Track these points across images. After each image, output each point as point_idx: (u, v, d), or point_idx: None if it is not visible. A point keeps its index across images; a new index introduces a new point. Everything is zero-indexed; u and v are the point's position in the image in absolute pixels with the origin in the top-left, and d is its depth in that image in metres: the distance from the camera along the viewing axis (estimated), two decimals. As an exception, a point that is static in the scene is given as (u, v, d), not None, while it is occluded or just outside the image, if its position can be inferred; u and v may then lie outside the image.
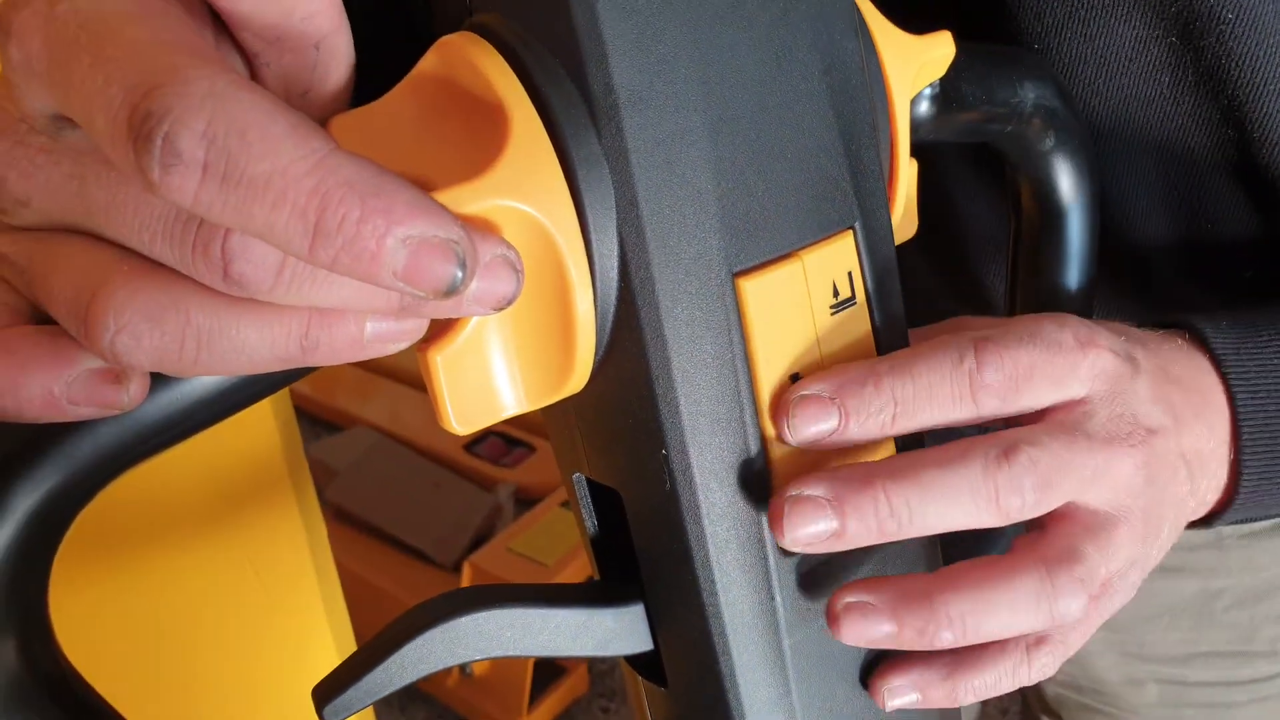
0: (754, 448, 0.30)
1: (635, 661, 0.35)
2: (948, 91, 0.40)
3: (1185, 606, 0.71)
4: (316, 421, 2.52)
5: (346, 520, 1.91)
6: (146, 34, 0.21)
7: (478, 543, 1.80)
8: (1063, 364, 0.34)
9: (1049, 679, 0.78)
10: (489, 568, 1.68)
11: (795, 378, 0.31)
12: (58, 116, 0.23)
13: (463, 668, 1.69)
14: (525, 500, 1.91)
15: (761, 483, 0.31)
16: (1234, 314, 0.43)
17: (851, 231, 0.32)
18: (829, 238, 0.31)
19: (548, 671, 1.74)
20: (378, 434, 2.13)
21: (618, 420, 0.31)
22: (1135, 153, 0.52)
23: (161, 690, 0.62)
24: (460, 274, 0.21)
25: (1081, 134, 0.48)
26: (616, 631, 0.33)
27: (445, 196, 0.25)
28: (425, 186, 0.23)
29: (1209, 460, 0.39)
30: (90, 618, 0.57)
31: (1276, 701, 0.76)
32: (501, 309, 0.24)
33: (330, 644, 0.73)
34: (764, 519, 0.31)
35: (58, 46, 0.21)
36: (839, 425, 0.31)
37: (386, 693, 0.29)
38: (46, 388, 0.24)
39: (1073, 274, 0.50)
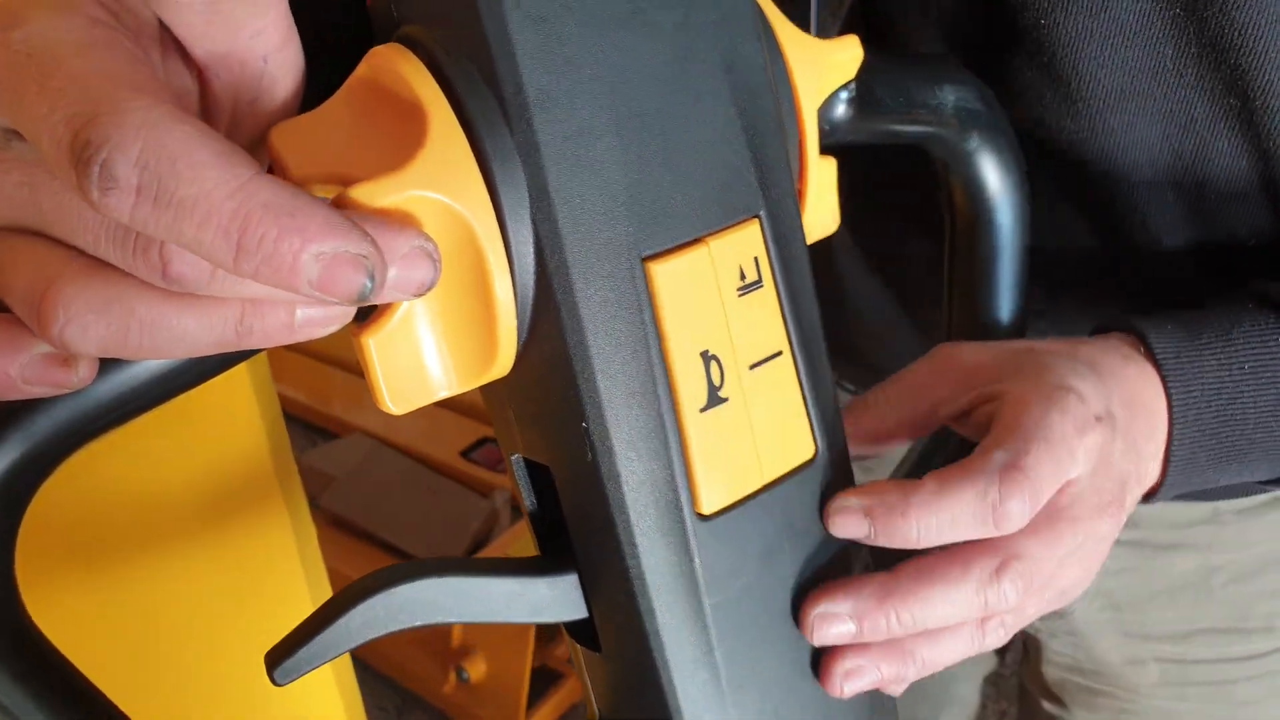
0: (668, 420, 0.32)
1: (573, 630, 0.37)
2: (864, 94, 0.43)
3: (1184, 584, 0.72)
4: (312, 429, 2.52)
5: (343, 527, 1.91)
6: (88, 66, 0.23)
7: (474, 548, 1.80)
8: (1066, 458, 0.38)
9: (1050, 663, 0.79)
10: (485, 573, 1.68)
11: (706, 354, 0.33)
12: (7, 130, 0.25)
13: (459, 673, 1.69)
14: (522, 506, 1.92)
15: (676, 451, 0.32)
16: (1177, 316, 0.45)
17: (757, 220, 0.34)
18: (735, 225, 0.33)
19: (545, 677, 1.74)
20: (373, 441, 2.13)
21: (544, 399, 0.33)
22: (1140, 124, 0.53)
23: (151, 696, 0.62)
24: (370, 284, 0.23)
25: (1007, 135, 0.50)
26: (551, 599, 0.34)
27: (368, 188, 0.27)
28: (354, 181, 0.27)
29: (1149, 467, 0.44)
30: (80, 624, 0.57)
31: (1274, 678, 0.77)
32: (421, 294, 0.26)
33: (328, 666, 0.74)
34: (681, 486, 0.33)
35: (9, 72, 0.23)
36: (868, 535, 0.37)
37: (332, 656, 0.31)
38: (3, 369, 0.26)
39: (1006, 267, 0.53)
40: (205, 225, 0.21)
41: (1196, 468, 0.45)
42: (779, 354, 0.35)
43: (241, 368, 0.62)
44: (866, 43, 0.41)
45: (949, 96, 0.47)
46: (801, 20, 0.39)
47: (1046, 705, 0.84)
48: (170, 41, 0.27)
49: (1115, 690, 0.78)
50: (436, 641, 1.75)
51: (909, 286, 0.71)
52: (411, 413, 0.31)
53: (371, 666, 1.90)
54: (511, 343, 0.31)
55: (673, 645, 0.33)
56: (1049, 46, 0.52)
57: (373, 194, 0.27)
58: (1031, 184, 0.52)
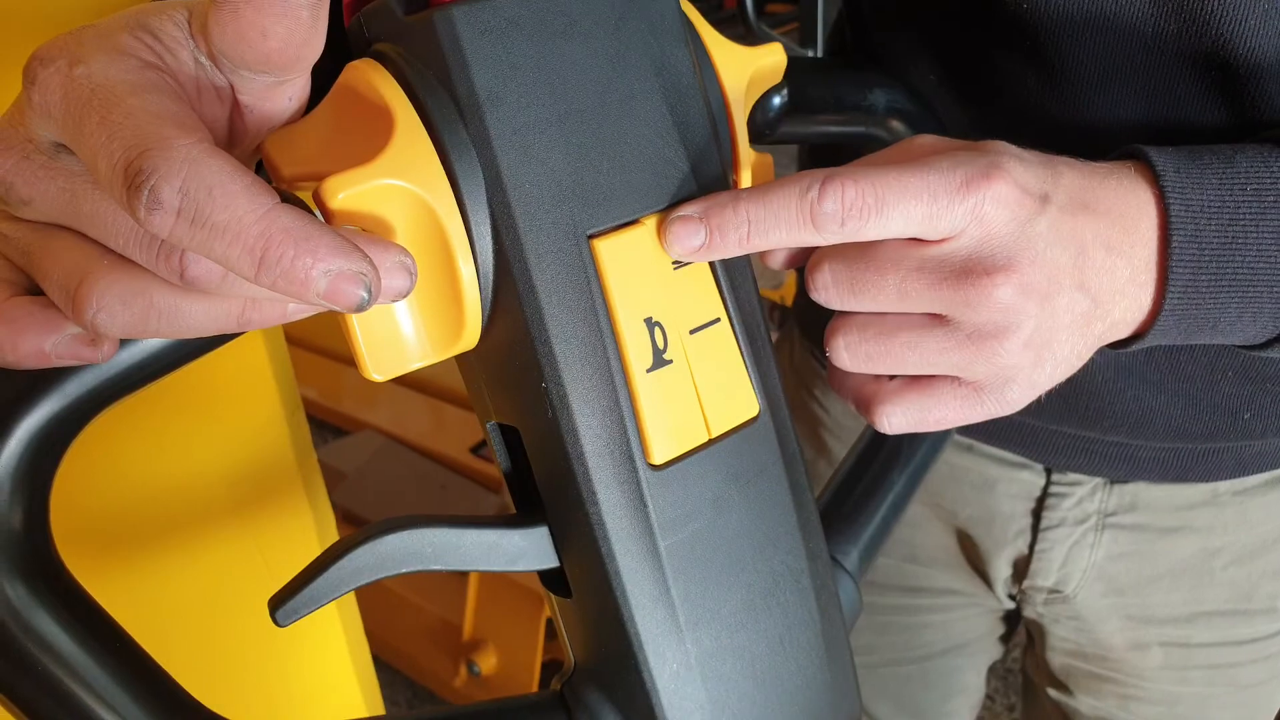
0: (618, 379, 0.36)
1: (547, 580, 0.40)
2: (796, 96, 0.47)
3: (1186, 566, 0.72)
4: (324, 426, 2.54)
5: (354, 522, 1.92)
6: (141, 104, 0.27)
7: (484, 543, 1.81)
8: (928, 205, 0.38)
9: (1054, 649, 0.80)
10: (495, 567, 1.69)
11: (650, 320, 0.37)
12: (59, 145, 0.30)
13: (470, 666, 1.70)
14: (531, 501, 1.92)
15: (627, 407, 0.36)
16: (1180, 146, 0.44)
17: None
18: (670, 208, 0.37)
19: (556, 670, 1.74)
20: (384, 437, 2.14)
21: (509, 365, 0.36)
22: (1125, 102, 0.53)
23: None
24: (367, 295, 0.28)
25: (939, 129, 0.53)
26: (525, 550, 0.38)
27: (342, 178, 0.32)
28: (332, 174, 0.32)
29: (1122, 285, 0.42)
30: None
31: (1277, 660, 0.77)
32: (400, 299, 0.31)
33: (343, 643, 0.75)
34: (633, 438, 0.36)
35: (74, 103, 0.28)
36: (705, 241, 0.37)
37: (327, 600, 0.34)
38: (38, 346, 0.31)
39: None
40: (234, 244, 0.26)
41: (1198, 293, 0.42)
42: (717, 320, 0.38)
43: (264, 365, 0.63)
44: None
45: (880, 97, 0.51)
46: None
47: (1052, 692, 0.84)
48: (206, 80, 0.32)
49: (1119, 675, 0.78)
50: (447, 635, 1.77)
51: None
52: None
53: (382, 659, 1.91)
54: (477, 316, 0.35)
55: (632, 585, 0.37)
56: (1031, 31, 0.53)
57: (346, 182, 0.31)
58: None
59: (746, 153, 0.42)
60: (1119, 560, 0.73)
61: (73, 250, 0.30)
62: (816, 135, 0.51)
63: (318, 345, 2.77)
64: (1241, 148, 0.44)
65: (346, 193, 0.32)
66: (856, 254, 0.40)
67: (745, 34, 2.22)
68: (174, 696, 0.35)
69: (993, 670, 0.96)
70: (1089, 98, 0.54)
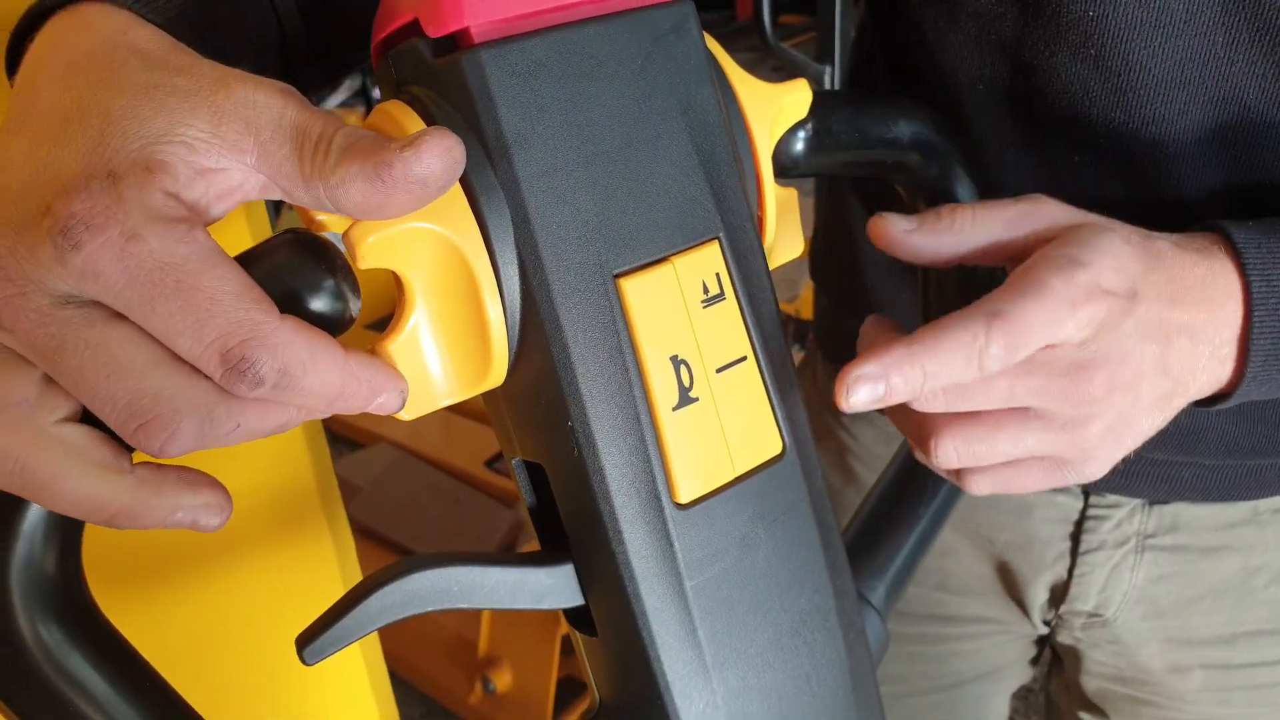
0: (644, 418, 0.36)
1: (572, 618, 0.40)
2: (820, 130, 0.47)
3: (1227, 586, 0.71)
4: (338, 439, 2.54)
5: (369, 536, 1.92)
6: (219, 285, 0.29)
7: (500, 557, 1.81)
8: (1058, 321, 0.41)
9: (1090, 673, 0.78)
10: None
11: (675, 359, 0.37)
12: (71, 299, 0.29)
13: (485, 683, 1.69)
14: (546, 515, 1.92)
15: (653, 446, 0.36)
16: (1260, 219, 0.46)
17: (717, 241, 0.38)
18: (696, 246, 0.38)
19: (571, 688, 1.74)
20: (399, 451, 2.14)
21: (535, 404, 0.37)
22: (1192, 112, 0.52)
23: (193, 703, 0.63)
24: (401, 404, 0.33)
25: (963, 161, 0.53)
26: (550, 588, 0.38)
27: (373, 221, 0.32)
28: None
29: (1204, 364, 0.45)
30: (126, 633, 0.58)
31: None
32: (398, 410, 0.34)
33: (359, 658, 0.74)
34: (659, 476, 0.36)
35: (141, 283, 0.28)
36: (884, 395, 0.39)
37: (355, 639, 0.35)
38: (161, 519, 0.33)
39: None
40: (315, 399, 0.30)
41: (1277, 360, 0.45)
42: (744, 359, 0.38)
43: None
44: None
45: (904, 130, 0.51)
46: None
47: (1085, 717, 0.83)
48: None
49: (1159, 698, 0.77)
50: (463, 652, 1.76)
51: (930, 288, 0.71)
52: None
53: (398, 675, 1.90)
54: (504, 354, 0.36)
55: (658, 625, 0.37)
56: (1098, 38, 0.52)
57: (376, 226, 0.32)
58: (1076, 177, 0.52)
59: (771, 188, 0.43)
60: (1160, 582, 0.72)
61: (135, 364, 0.30)
62: (841, 167, 0.51)
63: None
64: None
65: (376, 236, 0.32)
66: None
67: (760, 45, 2.21)
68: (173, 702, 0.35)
69: (1015, 691, 0.95)
70: (1156, 107, 0.53)
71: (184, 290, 0.28)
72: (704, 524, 0.37)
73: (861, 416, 0.78)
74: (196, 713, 0.36)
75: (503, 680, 1.71)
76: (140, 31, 0.34)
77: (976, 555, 0.77)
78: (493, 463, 2.03)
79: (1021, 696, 1.90)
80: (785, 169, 0.45)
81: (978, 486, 0.46)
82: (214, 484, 0.33)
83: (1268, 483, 0.67)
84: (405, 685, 1.90)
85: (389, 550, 1.89)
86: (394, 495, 1.98)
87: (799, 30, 2.63)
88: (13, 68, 0.38)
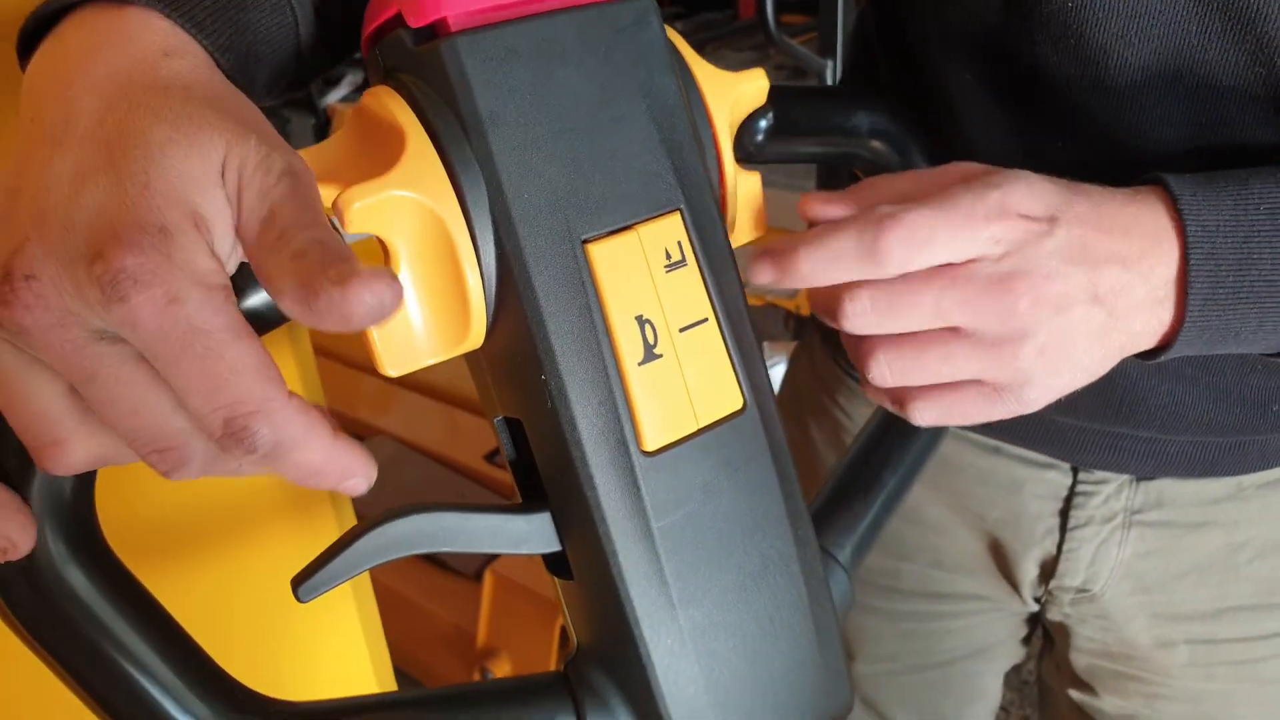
0: (612, 371, 0.39)
1: (551, 565, 0.43)
2: (780, 118, 0.51)
3: (1211, 562, 0.72)
4: (337, 434, 2.54)
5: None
6: (241, 359, 0.30)
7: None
8: (965, 234, 0.44)
9: (1079, 650, 0.79)
10: (510, 574, 1.69)
11: (640, 318, 0.39)
12: (104, 334, 0.31)
13: (483, 671, 1.70)
14: (545, 508, 1.92)
15: (620, 397, 0.39)
16: (1202, 174, 0.47)
17: (679, 212, 0.41)
18: (659, 216, 0.41)
19: (569, 679, 1.74)
20: (397, 444, 2.14)
21: (512, 361, 0.40)
22: (1168, 100, 0.54)
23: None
24: (366, 488, 0.34)
25: (922, 149, 0.57)
26: (528, 534, 0.41)
27: (359, 188, 0.35)
28: (353, 183, 0.35)
29: (1141, 301, 0.46)
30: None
31: None
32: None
33: (365, 653, 0.74)
34: (626, 426, 0.39)
35: (170, 342, 0.30)
36: (779, 276, 0.45)
37: (345, 578, 0.37)
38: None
39: None
40: (299, 471, 0.32)
41: (1216, 307, 0.46)
42: (705, 320, 0.41)
43: (294, 379, 0.64)
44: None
45: (863, 120, 0.55)
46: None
47: (1074, 694, 0.84)
48: None
49: (1145, 674, 0.78)
50: (461, 642, 1.76)
51: None
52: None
53: (396, 666, 1.90)
54: (482, 317, 0.39)
55: (628, 564, 0.39)
56: (1076, 28, 0.53)
57: (362, 193, 0.35)
58: (1061, 160, 0.53)
59: (732, 168, 0.46)
60: (1146, 558, 0.73)
61: (155, 405, 0.32)
62: (803, 155, 0.54)
63: (331, 351, 2.78)
64: (1255, 171, 0.47)
65: (362, 203, 0.35)
66: (891, 282, 0.45)
67: (762, 44, 2.22)
68: (198, 657, 0.38)
69: (1007, 682, 0.95)
70: (1133, 99, 0.54)
71: (209, 357, 0.29)
72: (669, 471, 0.40)
73: (857, 396, 0.80)
74: (193, 639, 0.38)
75: (501, 670, 1.71)
76: (180, 64, 0.36)
77: (969, 533, 0.78)
78: (492, 456, 2.03)
79: (1016, 688, 1.91)
80: (749, 154, 0.48)
81: (921, 414, 0.48)
82: None
83: (1251, 459, 0.68)
84: (404, 676, 1.90)
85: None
86: (393, 488, 1.98)
87: (801, 30, 2.64)
88: (30, 43, 0.39)
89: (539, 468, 0.41)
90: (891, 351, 0.46)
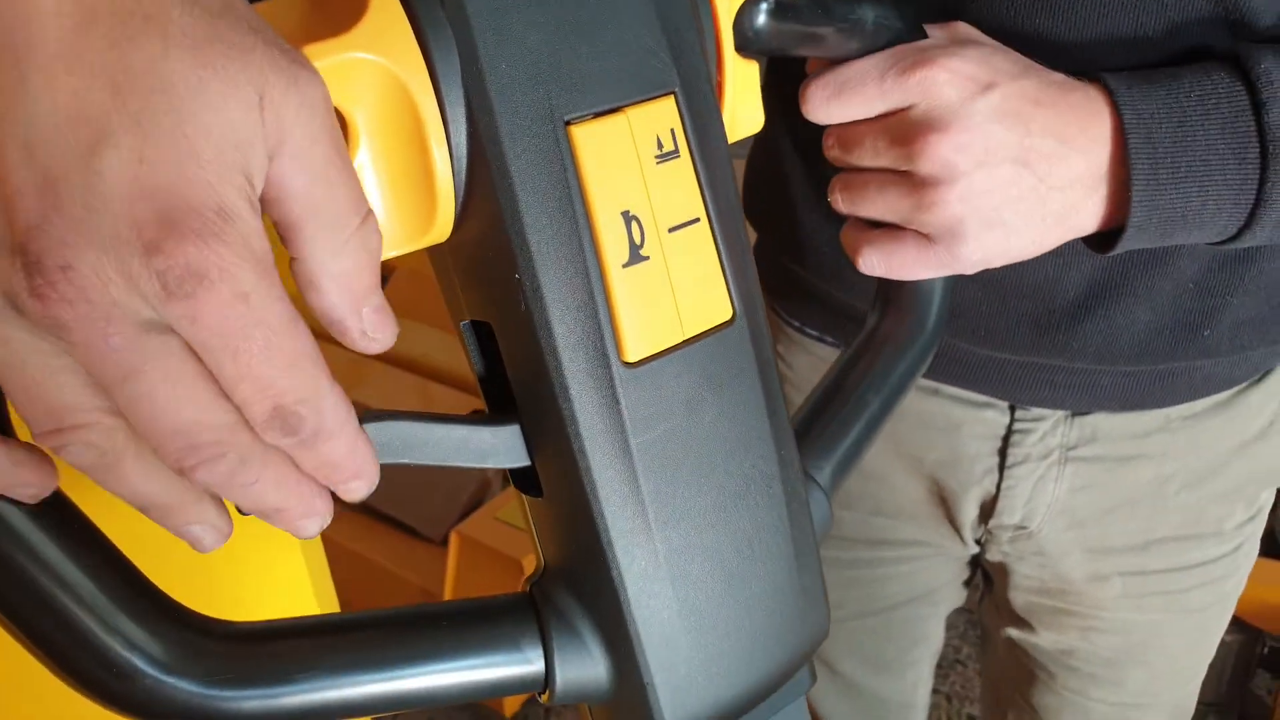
0: (594, 273, 0.35)
1: (519, 481, 0.40)
2: (783, 6, 0.46)
3: (1141, 495, 0.74)
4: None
5: (336, 497, 1.93)
6: (299, 347, 0.28)
7: (466, 515, 1.82)
8: (889, 85, 0.48)
9: (1017, 588, 0.81)
10: (476, 535, 1.70)
11: (627, 214, 0.36)
12: (154, 324, 0.27)
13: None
14: (513, 474, 1.94)
15: (602, 302, 0.35)
16: (1136, 71, 0.50)
17: (672, 96, 0.37)
18: (651, 99, 0.36)
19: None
20: (359, 407, 2.15)
21: (482, 257, 0.36)
22: (1112, 13, 0.55)
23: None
24: (367, 494, 0.32)
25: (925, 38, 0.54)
26: (495, 447, 0.37)
27: (316, 48, 0.31)
28: (308, 43, 0.31)
29: (1079, 175, 0.49)
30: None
31: (1222, 582, 0.80)
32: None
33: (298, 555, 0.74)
34: (606, 333, 0.35)
35: (233, 338, 0.27)
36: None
37: None
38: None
39: None
40: (322, 461, 0.30)
41: (1159, 185, 0.48)
42: (696, 220, 0.38)
43: None
44: None
45: (868, 12, 0.50)
46: None
47: (1012, 632, 0.86)
48: None
49: (1080, 608, 0.80)
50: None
51: None
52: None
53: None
54: (450, 203, 0.34)
55: (603, 481, 0.36)
56: None
57: (319, 53, 0.31)
58: None
59: (731, 54, 0.42)
60: (1080, 493, 0.74)
61: (198, 399, 0.29)
62: (802, 43, 0.50)
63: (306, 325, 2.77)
64: (1186, 66, 0.49)
65: (318, 64, 0.30)
66: (846, 125, 0.51)
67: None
68: (129, 573, 0.33)
69: (955, 628, 0.97)
70: (1076, 9, 0.55)
71: (270, 349, 0.27)
72: (651, 384, 0.37)
73: (797, 345, 0.81)
74: (129, 560, 0.34)
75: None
76: None
77: (908, 477, 0.79)
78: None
79: (959, 630, 1.95)
80: (747, 41, 0.44)
81: (867, 262, 0.52)
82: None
83: (1179, 390, 0.70)
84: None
85: (354, 509, 1.90)
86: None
87: None
88: None
89: (509, 376, 0.37)
90: (845, 182, 0.52)
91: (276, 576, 0.74)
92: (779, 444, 0.41)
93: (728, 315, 0.39)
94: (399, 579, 1.83)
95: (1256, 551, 0.82)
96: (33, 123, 0.25)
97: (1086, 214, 0.49)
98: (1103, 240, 0.51)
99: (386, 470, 0.34)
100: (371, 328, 0.31)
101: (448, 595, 1.75)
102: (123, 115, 0.25)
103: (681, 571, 0.38)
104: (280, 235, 0.29)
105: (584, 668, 0.38)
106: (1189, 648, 0.84)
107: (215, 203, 0.26)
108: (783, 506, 0.41)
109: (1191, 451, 0.72)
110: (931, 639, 0.96)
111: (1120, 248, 0.50)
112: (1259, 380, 0.73)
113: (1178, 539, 0.76)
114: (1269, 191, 0.48)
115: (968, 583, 0.92)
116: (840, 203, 0.52)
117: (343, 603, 2.01)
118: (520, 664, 0.38)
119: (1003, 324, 0.66)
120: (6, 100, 0.25)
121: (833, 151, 0.52)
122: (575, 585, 0.39)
